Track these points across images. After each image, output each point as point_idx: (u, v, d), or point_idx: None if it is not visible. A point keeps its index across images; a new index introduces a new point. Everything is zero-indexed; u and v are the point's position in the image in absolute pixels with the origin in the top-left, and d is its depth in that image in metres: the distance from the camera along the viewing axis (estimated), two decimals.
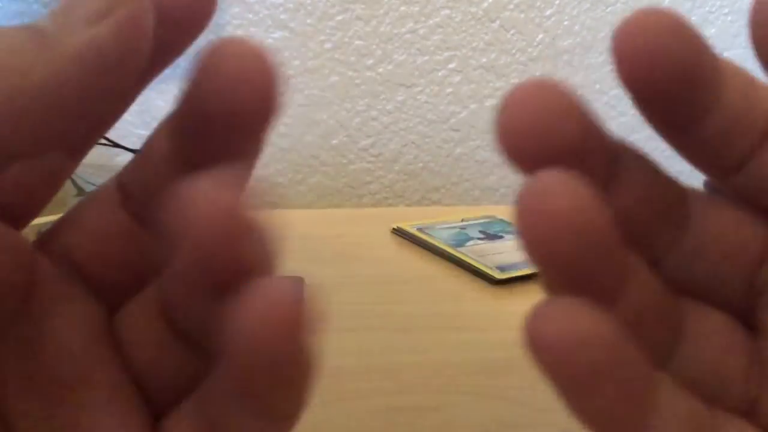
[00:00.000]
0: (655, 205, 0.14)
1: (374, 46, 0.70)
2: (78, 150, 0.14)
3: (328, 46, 0.70)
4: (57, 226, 0.15)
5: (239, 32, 0.68)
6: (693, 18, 0.74)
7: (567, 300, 0.12)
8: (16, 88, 0.11)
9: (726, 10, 0.75)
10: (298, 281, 0.12)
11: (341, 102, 0.71)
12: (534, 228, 0.11)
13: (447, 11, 0.70)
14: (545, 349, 0.12)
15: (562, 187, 0.11)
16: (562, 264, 0.12)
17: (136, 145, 0.15)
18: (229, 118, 0.13)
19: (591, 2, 0.72)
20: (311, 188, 0.72)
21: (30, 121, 0.11)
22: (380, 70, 0.71)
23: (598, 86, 0.74)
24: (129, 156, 0.15)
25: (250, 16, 0.68)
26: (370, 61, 0.71)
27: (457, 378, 0.32)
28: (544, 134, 0.12)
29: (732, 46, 0.74)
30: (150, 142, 0.14)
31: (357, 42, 0.70)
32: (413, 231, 0.53)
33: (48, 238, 0.15)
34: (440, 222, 0.56)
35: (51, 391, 0.13)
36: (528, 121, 0.12)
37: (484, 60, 0.72)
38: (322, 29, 0.69)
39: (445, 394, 0.31)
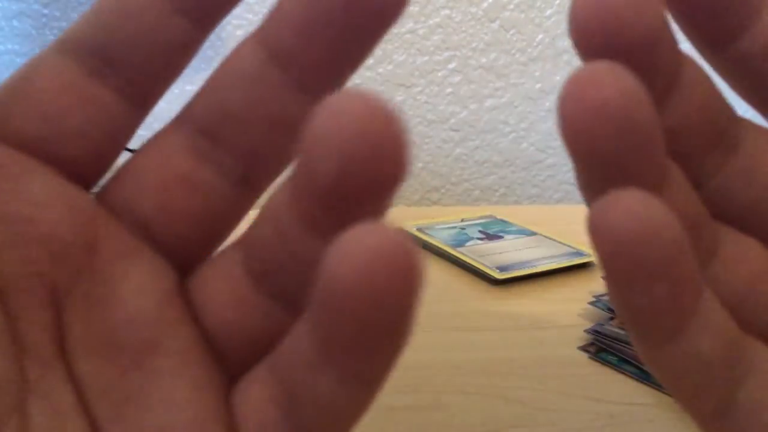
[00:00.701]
0: (707, 125, 0.14)
1: None
2: (144, 95, 0.13)
3: None
4: (117, 178, 0.14)
5: (239, 32, 0.68)
6: None
7: (635, 191, 0.11)
8: None
9: None
10: (407, 234, 0.10)
11: None
12: (576, 114, 0.11)
13: (447, 11, 0.70)
14: (611, 239, 0.11)
15: (611, 77, 0.11)
16: (600, 155, 0.11)
17: (136, 145, 0.15)
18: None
19: None
20: None
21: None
22: (380, 70, 0.71)
23: None
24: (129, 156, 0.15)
25: (250, 16, 0.68)
26: (370, 61, 0.71)
27: (457, 378, 0.32)
28: (615, 27, 0.12)
29: None
30: (225, 65, 0.13)
31: None
32: (413, 231, 0.53)
33: (109, 190, 0.14)
34: (440, 222, 0.56)
35: (120, 355, 0.13)
36: (601, 13, 0.12)
37: (484, 60, 0.72)
38: None
39: (445, 394, 0.31)
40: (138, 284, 0.13)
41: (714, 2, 0.13)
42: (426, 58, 0.71)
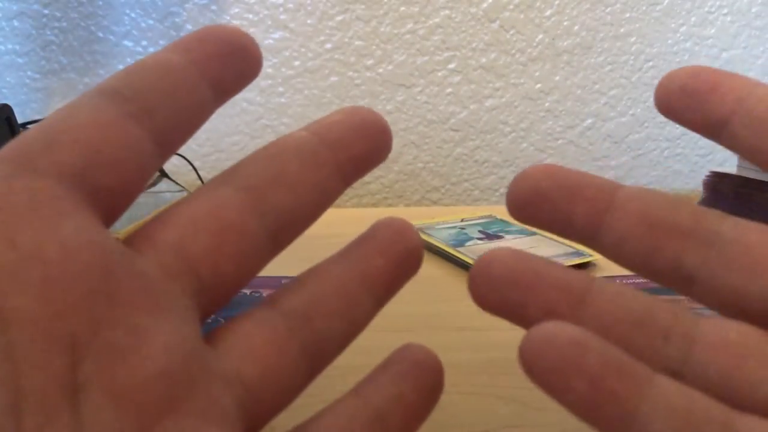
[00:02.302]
0: (656, 230, 0.16)
1: (374, 47, 0.70)
2: (168, 141, 0.15)
3: (328, 46, 0.70)
4: (164, 222, 0.15)
5: None
6: (693, 18, 0.74)
7: (549, 323, 0.14)
8: None
9: (726, 11, 0.75)
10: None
11: (341, 102, 0.71)
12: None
13: (447, 12, 0.71)
14: (528, 360, 0.14)
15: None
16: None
17: None
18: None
19: (590, 3, 0.72)
20: None
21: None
22: (380, 70, 0.71)
23: (597, 86, 0.74)
24: None
25: (250, 16, 0.68)
26: (370, 62, 0.71)
27: (457, 378, 0.32)
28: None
29: (732, 46, 0.74)
30: (279, 141, 0.17)
31: (357, 42, 0.70)
32: None
33: (154, 234, 0.14)
34: (440, 222, 0.56)
35: (140, 411, 0.12)
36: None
37: (484, 60, 0.72)
38: (322, 30, 0.69)
39: (445, 394, 0.31)
40: (165, 339, 0.13)
41: (691, 102, 0.17)
42: (426, 58, 0.71)
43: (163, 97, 0.15)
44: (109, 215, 0.14)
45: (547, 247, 0.49)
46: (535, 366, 0.14)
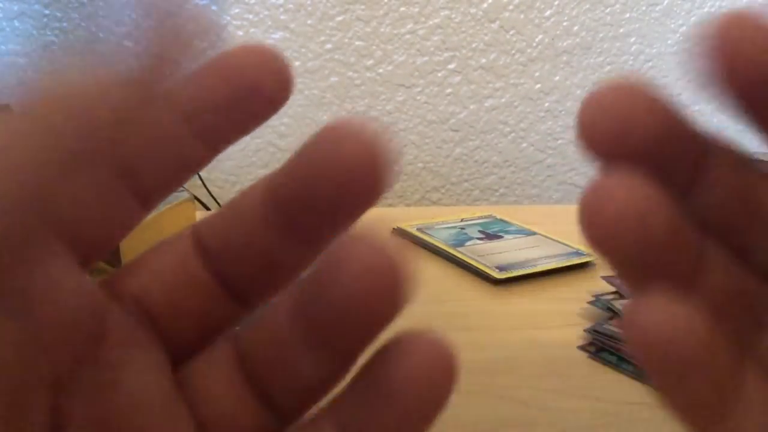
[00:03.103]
0: (744, 203, 0.14)
1: (374, 47, 0.71)
2: (150, 197, 0.15)
3: (328, 46, 0.70)
4: (128, 270, 0.15)
5: (239, 33, 0.69)
6: (692, 18, 0.74)
7: (659, 295, 0.12)
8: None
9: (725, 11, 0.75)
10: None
11: (341, 102, 0.71)
12: (595, 227, 0.12)
13: (447, 12, 0.71)
14: (642, 344, 0.12)
15: (623, 190, 0.12)
16: (622, 260, 0.12)
17: None
18: (338, 200, 0.13)
19: (590, 3, 0.72)
20: None
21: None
22: (380, 70, 0.71)
23: None
24: None
25: (251, 16, 0.69)
26: (370, 62, 0.71)
27: (457, 378, 0.32)
28: (623, 131, 0.12)
29: None
30: (239, 201, 0.15)
31: (357, 43, 0.70)
32: (413, 231, 0.53)
33: (118, 281, 0.14)
34: (440, 222, 0.56)
35: None
36: (609, 119, 0.12)
37: (484, 60, 0.72)
38: (322, 30, 0.69)
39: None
40: (140, 375, 0.13)
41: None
42: (426, 58, 0.71)
43: (148, 155, 0.14)
44: (89, 262, 0.14)
45: (546, 246, 0.50)
46: (653, 352, 0.12)
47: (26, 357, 0.12)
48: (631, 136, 0.12)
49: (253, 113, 0.14)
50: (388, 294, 0.13)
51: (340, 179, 0.13)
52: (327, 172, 0.13)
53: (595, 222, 0.12)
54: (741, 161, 0.14)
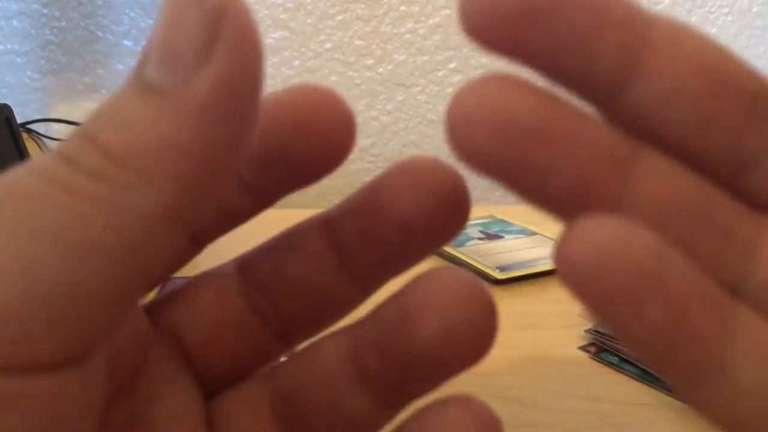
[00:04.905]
0: (715, 94, 0.11)
1: (374, 46, 0.70)
2: (202, 237, 0.14)
3: (328, 46, 0.70)
4: (169, 301, 0.14)
5: None
6: (693, 18, 0.74)
7: (592, 218, 0.10)
8: (167, 164, 0.10)
9: (726, 10, 0.75)
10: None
11: None
12: (459, 138, 0.11)
13: (447, 11, 0.70)
14: (573, 273, 0.10)
15: (491, 89, 0.11)
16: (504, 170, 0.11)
17: None
18: (404, 240, 0.13)
19: None
20: (311, 188, 0.72)
21: (189, 193, 0.10)
22: (380, 70, 0.71)
23: None
24: None
25: None
26: (370, 61, 0.71)
27: (457, 378, 0.32)
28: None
29: (732, 46, 0.74)
30: (293, 235, 0.14)
31: (357, 42, 0.70)
32: None
33: (157, 311, 0.14)
34: None
35: None
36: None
37: (484, 60, 0.72)
38: (322, 29, 0.69)
39: (445, 394, 0.31)
40: (174, 409, 0.13)
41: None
42: (426, 57, 0.71)
43: (201, 204, 0.13)
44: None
45: (547, 247, 0.49)
46: (592, 284, 0.09)
47: (87, 401, 0.11)
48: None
49: (313, 171, 0.13)
50: (472, 345, 0.12)
51: (408, 217, 0.12)
52: (394, 211, 0.12)
53: (462, 132, 0.10)
54: (703, 44, 0.11)
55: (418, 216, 0.12)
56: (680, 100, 0.10)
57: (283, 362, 0.14)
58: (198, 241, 0.14)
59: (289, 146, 0.13)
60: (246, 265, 0.14)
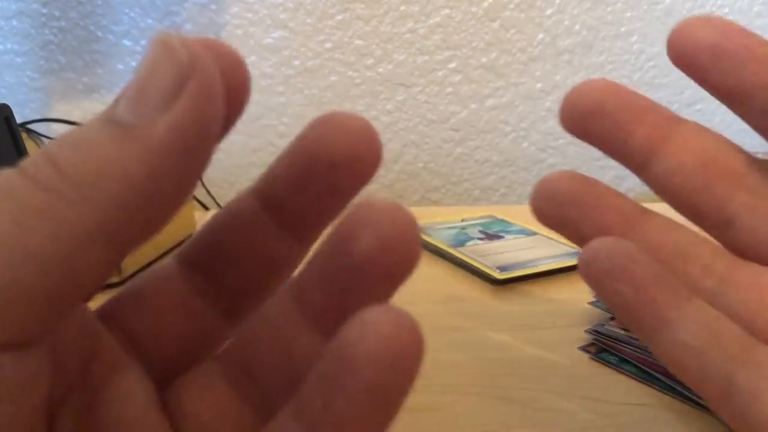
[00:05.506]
0: (710, 167, 0.17)
1: (374, 46, 0.70)
2: (130, 248, 0.15)
3: (327, 45, 0.70)
4: (117, 300, 0.15)
5: (239, 32, 0.68)
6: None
7: (606, 239, 0.16)
8: (112, 188, 0.11)
9: (726, 10, 0.75)
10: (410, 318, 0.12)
11: (341, 102, 0.71)
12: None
13: (447, 11, 0.70)
14: (581, 266, 0.16)
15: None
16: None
17: None
18: (332, 181, 0.13)
19: (591, 2, 0.72)
20: None
21: (128, 218, 0.11)
22: (380, 69, 0.71)
23: None
24: None
25: (250, 15, 0.68)
26: (370, 61, 0.71)
27: (457, 378, 0.32)
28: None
29: None
30: (221, 214, 0.15)
31: (357, 42, 0.70)
32: None
33: (109, 309, 0.15)
34: (440, 222, 0.56)
35: None
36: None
37: (484, 60, 0.72)
38: (322, 29, 0.69)
39: (445, 394, 0.31)
40: (124, 393, 0.14)
41: (721, 64, 0.16)
42: (426, 57, 0.71)
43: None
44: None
45: (547, 247, 0.49)
46: (591, 270, 0.16)
47: (27, 384, 0.12)
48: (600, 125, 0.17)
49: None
50: (404, 255, 0.13)
51: (333, 157, 0.13)
52: (321, 154, 0.13)
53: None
54: (706, 134, 0.17)
55: (341, 158, 0.13)
56: (680, 174, 0.17)
57: (232, 338, 0.15)
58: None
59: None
60: (185, 254, 0.15)
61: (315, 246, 0.14)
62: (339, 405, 0.12)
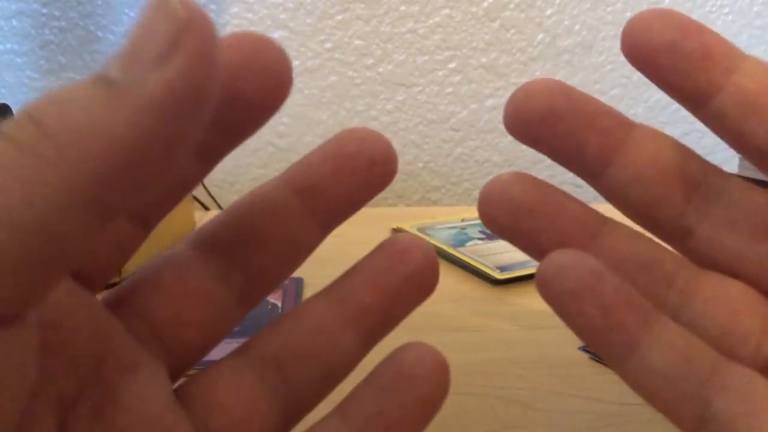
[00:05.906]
0: (667, 177, 0.16)
1: (374, 46, 0.70)
2: (149, 217, 0.15)
3: (327, 45, 0.70)
4: (133, 288, 0.15)
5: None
6: (693, 17, 0.74)
7: (565, 251, 0.15)
8: (96, 149, 0.10)
9: (726, 10, 0.75)
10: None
11: (341, 102, 0.71)
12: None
13: (447, 11, 0.70)
14: (540, 283, 0.15)
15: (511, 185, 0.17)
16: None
17: None
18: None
19: (591, 2, 0.72)
20: None
21: (113, 181, 0.10)
22: (380, 69, 0.71)
23: (598, 86, 0.73)
24: None
25: (250, 15, 0.68)
26: (370, 61, 0.71)
27: (458, 378, 0.32)
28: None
29: None
30: (248, 199, 0.15)
31: (357, 42, 0.70)
32: (413, 231, 0.53)
33: (125, 296, 0.15)
34: (440, 222, 0.56)
35: None
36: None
37: (484, 60, 0.72)
38: (322, 29, 0.69)
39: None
40: (140, 393, 0.14)
41: (680, 64, 0.15)
42: (426, 57, 0.71)
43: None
44: (91, 288, 0.14)
45: None
46: (552, 289, 0.14)
47: (34, 383, 0.12)
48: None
49: (256, 114, 0.14)
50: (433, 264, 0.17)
51: (373, 157, 0.15)
52: (361, 152, 0.15)
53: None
54: (664, 141, 0.16)
55: (380, 157, 0.15)
56: (637, 185, 0.16)
57: (261, 332, 0.15)
58: (145, 224, 0.15)
59: (233, 90, 0.13)
60: (201, 240, 0.15)
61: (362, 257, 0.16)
62: (393, 412, 0.15)
